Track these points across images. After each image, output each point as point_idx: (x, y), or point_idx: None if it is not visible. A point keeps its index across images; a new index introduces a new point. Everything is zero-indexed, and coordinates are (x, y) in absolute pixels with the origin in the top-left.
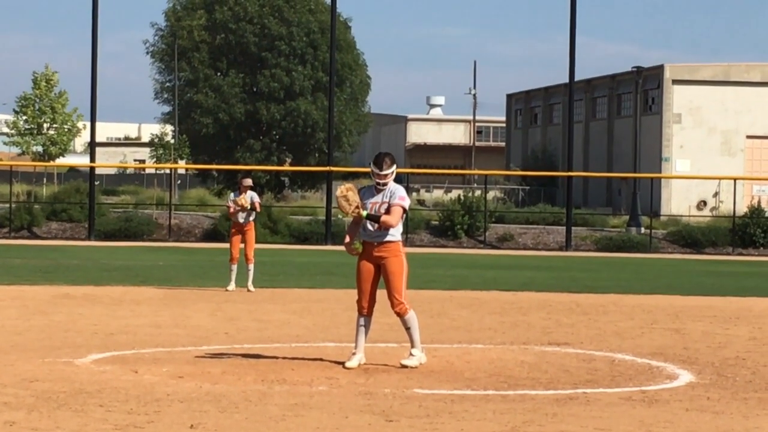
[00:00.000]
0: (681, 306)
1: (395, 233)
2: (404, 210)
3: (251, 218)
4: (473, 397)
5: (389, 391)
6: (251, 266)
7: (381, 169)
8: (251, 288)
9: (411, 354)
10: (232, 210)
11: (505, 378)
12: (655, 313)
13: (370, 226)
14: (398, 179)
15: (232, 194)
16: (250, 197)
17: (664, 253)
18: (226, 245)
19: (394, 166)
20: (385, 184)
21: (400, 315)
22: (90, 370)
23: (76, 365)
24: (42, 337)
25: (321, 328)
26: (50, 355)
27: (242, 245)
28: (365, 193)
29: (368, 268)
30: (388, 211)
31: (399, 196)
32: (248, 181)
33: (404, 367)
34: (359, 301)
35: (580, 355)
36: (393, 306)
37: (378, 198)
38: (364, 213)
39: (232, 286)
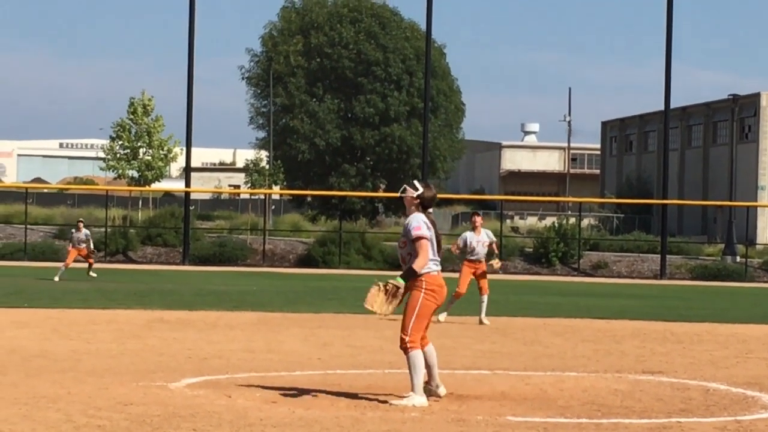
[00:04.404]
0: None
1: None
2: (422, 238)
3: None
4: (566, 425)
5: (482, 419)
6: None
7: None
8: (485, 321)
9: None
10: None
11: (599, 406)
12: (750, 343)
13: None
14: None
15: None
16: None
17: (760, 282)
18: (320, 271)
19: (409, 191)
20: (408, 215)
21: (404, 352)
22: (184, 395)
23: (170, 389)
24: (136, 360)
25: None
26: (144, 378)
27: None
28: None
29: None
30: (413, 251)
31: (412, 227)
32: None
33: (391, 404)
34: None
35: (674, 384)
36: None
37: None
38: (401, 282)
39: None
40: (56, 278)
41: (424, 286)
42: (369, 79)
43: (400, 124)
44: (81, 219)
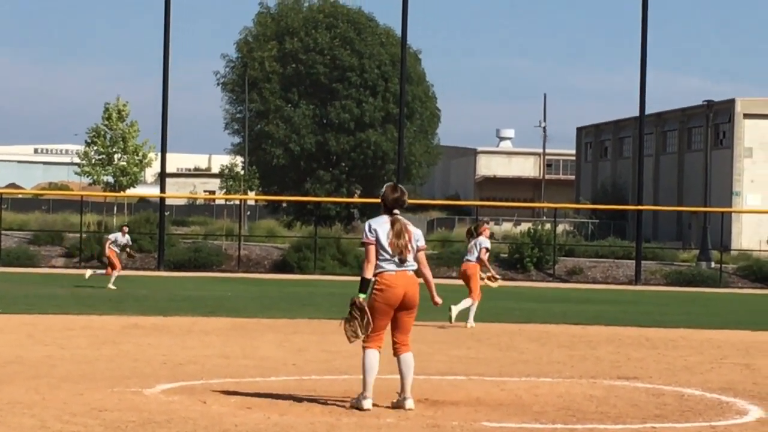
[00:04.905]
0: (751, 341)
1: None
2: (366, 244)
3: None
4: (541, 430)
5: (457, 424)
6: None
7: None
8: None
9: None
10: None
11: (574, 412)
12: (725, 348)
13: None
14: (467, 212)
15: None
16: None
17: (735, 288)
18: (295, 276)
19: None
20: None
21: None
22: (159, 400)
23: (145, 395)
24: (111, 366)
25: (389, 360)
26: (119, 384)
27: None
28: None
29: None
30: None
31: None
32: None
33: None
34: None
35: (649, 390)
36: None
37: None
38: (362, 295)
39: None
40: (112, 286)
41: (374, 286)
42: (344, 85)
43: (376, 129)
44: (126, 224)
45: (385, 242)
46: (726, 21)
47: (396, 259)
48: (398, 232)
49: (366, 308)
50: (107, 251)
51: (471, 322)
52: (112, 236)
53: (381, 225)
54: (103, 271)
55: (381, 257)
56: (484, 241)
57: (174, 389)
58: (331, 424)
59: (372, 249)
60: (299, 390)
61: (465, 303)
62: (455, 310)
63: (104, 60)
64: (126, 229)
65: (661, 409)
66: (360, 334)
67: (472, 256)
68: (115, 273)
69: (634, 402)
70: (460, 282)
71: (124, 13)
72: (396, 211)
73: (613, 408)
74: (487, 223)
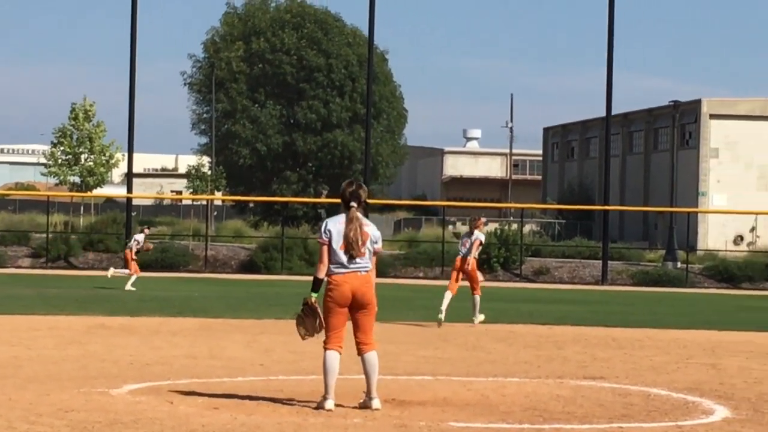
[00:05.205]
0: (717, 341)
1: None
2: (320, 244)
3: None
4: (508, 430)
5: (424, 424)
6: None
7: None
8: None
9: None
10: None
11: (540, 412)
12: (691, 348)
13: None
14: (434, 212)
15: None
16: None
17: (701, 288)
18: (262, 277)
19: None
20: None
21: None
22: (125, 401)
23: (112, 395)
24: (78, 367)
25: (356, 360)
26: (86, 385)
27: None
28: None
29: None
30: None
31: None
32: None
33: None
34: None
35: (616, 390)
36: None
37: None
38: (314, 295)
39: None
40: (131, 287)
41: (326, 286)
42: (311, 85)
43: (343, 129)
44: (147, 225)
45: (338, 243)
46: (692, 22)
47: (347, 257)
48: (351, 227)
49: (317, 308)
50: (127, 254)
51: (479, 317)
52: (138, 237)
53: (336, 225)
54: (127, 271)
55: (334, 257)
56: (479, 234)
57: (141, 389)
58: (298, 424)
59: (325, 250)
60: (266, 390)
61: (475, 301)
62: (444, 312)
63: (71, 60)
64: (147, 229)
65: (628, 409)
66: (312, 333)
67: (468, 252)
68: (134, 276)
69: (600, 402)
70: (430, 282)
71: (90, 13)
72: (353, 204)
73: (579, 408)
74: (483, 217)
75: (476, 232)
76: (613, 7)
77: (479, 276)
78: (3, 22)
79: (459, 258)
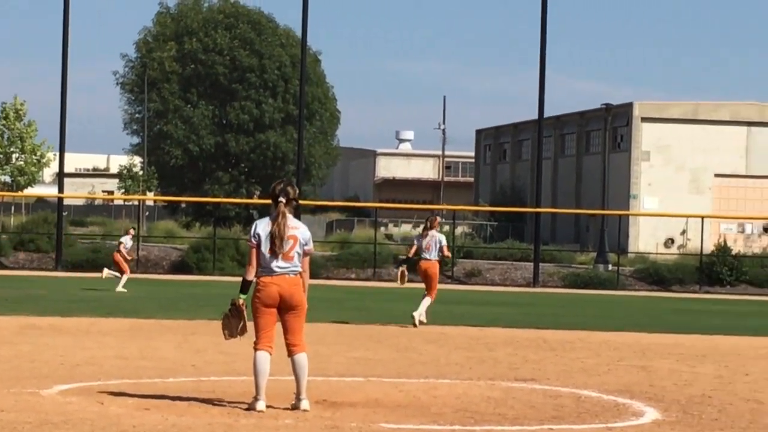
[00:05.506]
0: (647, 343)
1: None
2: (250, 247)
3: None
4: None
5: (355, 426)
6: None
7: None
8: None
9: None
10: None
11: (472, 413)
12: (622, 350)
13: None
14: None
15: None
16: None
17: (631, 290)
18: (194, 277)
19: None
20: None
21: None
22: (56, 401)
23: (42, 396)
24: (8, 367)
25: (286, 362)
26: (16, 385)
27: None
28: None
29: None
30: None
31: None
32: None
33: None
34: None
35: (547, 392)
36: None
37: None
38: (242, 296)
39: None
40: (123, 289)
41: (254, 288)
42: (244, 86)
43: (275, 130)
44: (133, 227)
45: (266, 247)
46: (624, 25)
47: (275, 259)
48: (277, 223)
49: (244, 310)
50: (116, 256)
51: (422, 316)
52: (123, 239)
53: (264, 228)
54: (118, 274)
55: (262, 260)
56: (441, 238)
57: (71, 390)
58: (229, 425)
59: (254, 252)
60: (198, 391)
61: (425, 303)
62: (417, 315)
63: (1, 59)
64: (132, 232)
65: (559, 411)
66: (235, 335)
67: (431, 254)
68: (125, 276)
69: (531, 404)
70: (362, 283)
71: (21, 12)
72: (281, 199)
73: (510, 409)
74: (439, 215)
75: (434, 232)
76: (545, 10)
77: (437, 282)
78: None
79: (422, 262)
